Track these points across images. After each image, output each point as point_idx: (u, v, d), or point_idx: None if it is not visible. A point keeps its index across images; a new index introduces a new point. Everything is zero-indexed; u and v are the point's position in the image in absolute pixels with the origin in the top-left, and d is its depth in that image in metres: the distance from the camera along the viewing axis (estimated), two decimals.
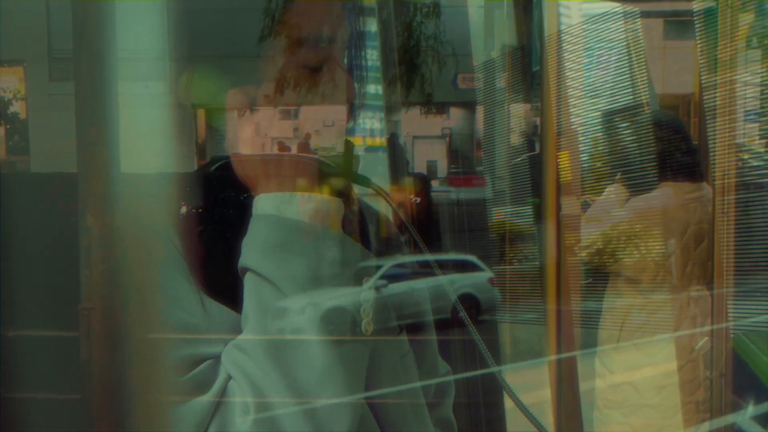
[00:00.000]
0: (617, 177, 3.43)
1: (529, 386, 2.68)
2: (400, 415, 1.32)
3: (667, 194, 3.26)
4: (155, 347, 1.07)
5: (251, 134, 1.22)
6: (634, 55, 3.49)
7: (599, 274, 3.35)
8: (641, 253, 3.26)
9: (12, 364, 1.28)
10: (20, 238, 1.29)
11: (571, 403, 2.48)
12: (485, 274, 2.97)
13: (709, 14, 2.97)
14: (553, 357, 2.57)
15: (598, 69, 3.35)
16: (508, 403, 1.90)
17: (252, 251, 1.16)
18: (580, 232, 3.34)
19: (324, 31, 1.23)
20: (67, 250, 1.12)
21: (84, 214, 1.02)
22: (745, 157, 3.30)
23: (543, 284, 2.64)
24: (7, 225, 1.28)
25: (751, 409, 3.12)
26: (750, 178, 3.07)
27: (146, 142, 1.07)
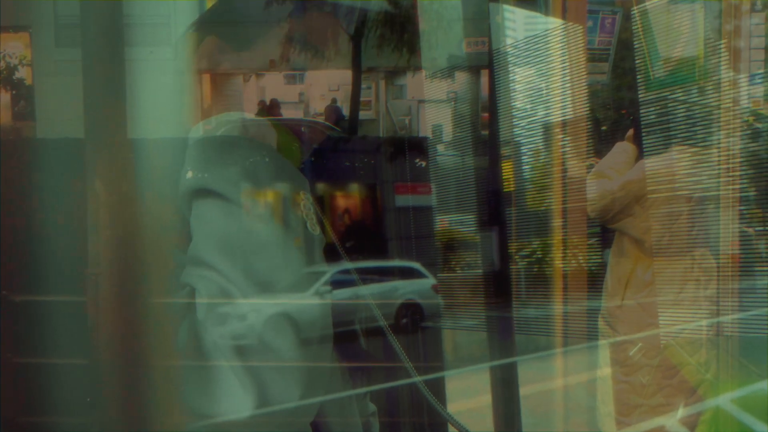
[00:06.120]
0: (628, 134, 3.38)
1: (470, 391, 2.73)
2: None
3: (676, 158, 3.22)
4: (162, 311, 1.08)
5: None
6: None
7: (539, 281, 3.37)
8: (647, 213, 3.22)
9: (19, 329, 1.29)
10: (27, 203, 1.30)
11: (510, 408, 2.53)
12: (429, 281, 2.98)
13: None
14: (494, 363, 2.61)
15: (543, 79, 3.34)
16: (451, 408, 1.92)
17: None
18: (587, 188, 3.31)
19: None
20: (74, 216, 1.13)
21: (91, 179, 1.02)
22: (751, 121, 3.28)
23: (485, 291, 2.66)
24: (14, 190, 1.29)
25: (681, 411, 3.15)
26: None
27: (152, 107, 1.08)
